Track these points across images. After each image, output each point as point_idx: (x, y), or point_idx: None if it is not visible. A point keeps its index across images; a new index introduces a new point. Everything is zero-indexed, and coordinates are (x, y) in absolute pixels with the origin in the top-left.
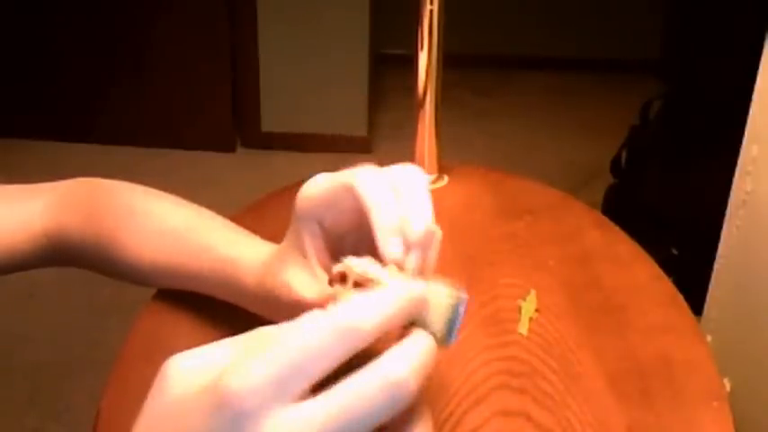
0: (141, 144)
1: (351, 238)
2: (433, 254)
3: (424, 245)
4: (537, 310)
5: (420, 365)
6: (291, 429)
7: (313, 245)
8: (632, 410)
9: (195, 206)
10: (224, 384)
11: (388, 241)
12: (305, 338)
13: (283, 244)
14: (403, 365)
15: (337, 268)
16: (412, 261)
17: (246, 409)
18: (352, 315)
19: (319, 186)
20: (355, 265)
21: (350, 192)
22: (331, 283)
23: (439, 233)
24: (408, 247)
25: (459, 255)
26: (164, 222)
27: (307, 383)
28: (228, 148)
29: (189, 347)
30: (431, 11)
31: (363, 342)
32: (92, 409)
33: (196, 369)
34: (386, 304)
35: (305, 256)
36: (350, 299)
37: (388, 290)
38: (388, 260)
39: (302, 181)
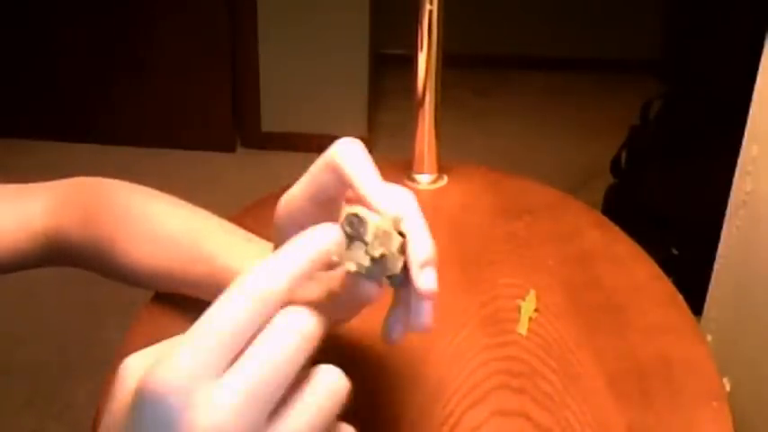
0: (141, 144)
1: None
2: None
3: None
4: (536, 310)
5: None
6: (222, 405)
7: None
8: (632, 410)
9: (192, 208)
10: (148, 376)
11: (376, 195)
12: (221, 315)
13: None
14: (307, 315)
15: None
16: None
17: (170, 395)
18: (261, 282)
19: (298, 186)
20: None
21: (330, 167)
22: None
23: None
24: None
25: (458, 254)
26: (161, 227)
27: (230, 356)
28: (228, 148)
29: None
30: (430, 11)
31: (278, 304)
32: (91, 408)
33: (144, 367)
34: (295, 261)
35: None
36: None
37: (295, 243)
38: (382, 211)
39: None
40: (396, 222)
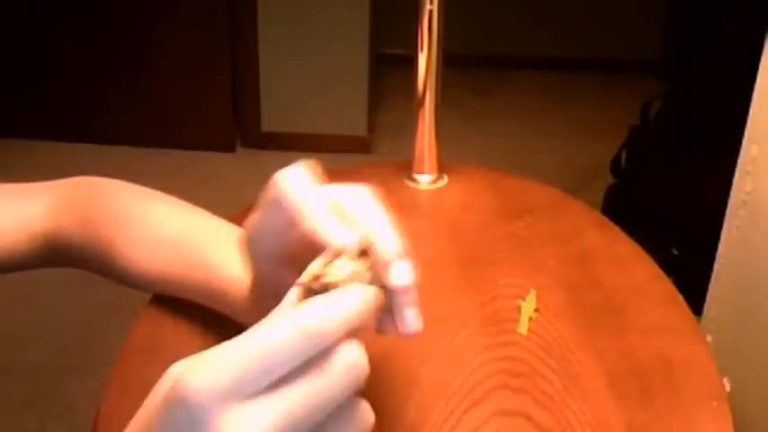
0: (141, 144)
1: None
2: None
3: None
4: (536, 310)
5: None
6: (250, 426)
7: (273, 278)
8: (632, 410)
9: (192, 209)
10: (183, 379)
11: (328, 234)
12: (268, 338)
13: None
14: (355, 346)
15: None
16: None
17: (202, 405)
18: (316, 317)
19: (253, 220)
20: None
21: (275, 206)
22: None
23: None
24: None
25: (458, 254)
26: (160, 230)
27: (266, 382)
28: (228, 147)
29: (188, 348)
30: (430, 11)
31: (326, 343)
32: (92, 409)
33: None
34: (349, 306)
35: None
36: (314, 300)
37: (351, 292)
38: (337, 250)
39: None
40: (362, 245)
